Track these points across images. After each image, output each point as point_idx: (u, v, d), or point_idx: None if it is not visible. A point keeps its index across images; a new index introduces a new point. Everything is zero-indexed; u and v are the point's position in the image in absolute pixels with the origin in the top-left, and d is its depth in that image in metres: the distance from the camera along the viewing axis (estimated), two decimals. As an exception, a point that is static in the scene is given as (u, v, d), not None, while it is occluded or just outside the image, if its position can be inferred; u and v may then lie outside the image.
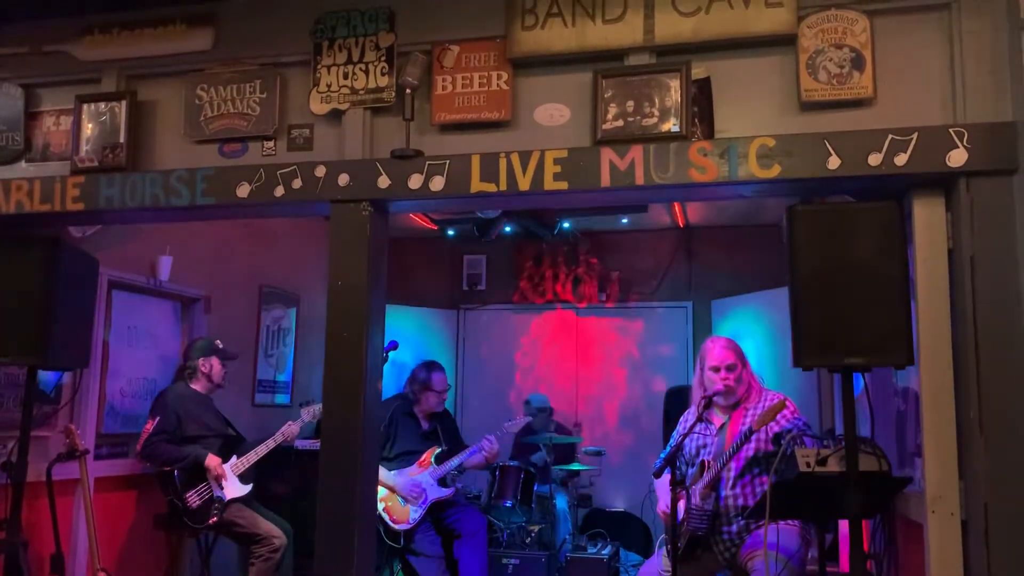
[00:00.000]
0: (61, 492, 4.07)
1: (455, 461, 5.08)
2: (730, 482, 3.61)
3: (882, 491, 3.00)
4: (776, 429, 3.47)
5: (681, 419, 3.90)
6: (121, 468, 4.69)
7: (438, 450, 5.09)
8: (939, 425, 2.80)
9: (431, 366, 5.26)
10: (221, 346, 4.82)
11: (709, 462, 3.63)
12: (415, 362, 5.46)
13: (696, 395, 3.81)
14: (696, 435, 3.74)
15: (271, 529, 4.50)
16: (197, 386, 4.72)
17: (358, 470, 3.16)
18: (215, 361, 4.76)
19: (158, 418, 4.47)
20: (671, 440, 3.83)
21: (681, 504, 3.51)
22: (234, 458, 4.61)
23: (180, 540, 4.74)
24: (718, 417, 3.77)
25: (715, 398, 3.70)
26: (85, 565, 4.22)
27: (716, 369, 3.72)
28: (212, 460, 4.48)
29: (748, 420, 3.56)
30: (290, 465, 4.97)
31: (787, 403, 3.46)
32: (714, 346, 3.78)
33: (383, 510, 4.83)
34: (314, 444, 4.71)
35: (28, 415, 3.54)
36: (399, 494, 4.90)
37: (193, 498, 4.42)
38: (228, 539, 4.65)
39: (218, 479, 4.47)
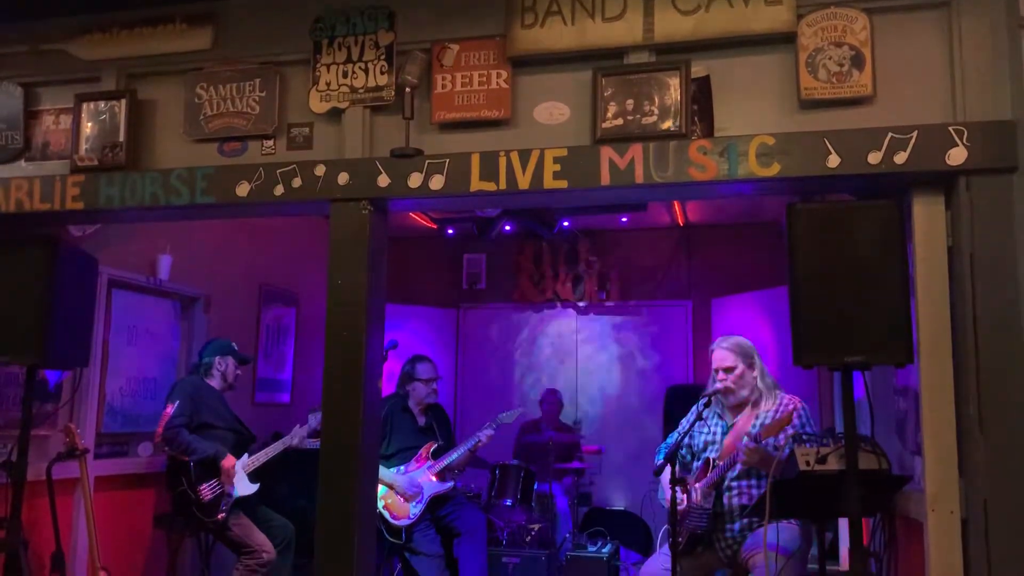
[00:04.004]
0: (61, 491, 4.07)
1: (453, 455, 5.10)
2: (733, 481, 3.61)
3: (882, 489, 3.00)
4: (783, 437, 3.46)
5: (690, 412, 3.90)
6: (121, 467, 4.69)
7: (435, 446, 5.10)
8: (939, 423, 2.80)
9: (415, 358, 5.28)
10: (237, 348, 4.86)
11: (715, 460, 3.64)
12: (412, 361, 5.46)
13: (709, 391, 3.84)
14: (706, 431, 3.77)
15: (263, 543, 4.49)
16: (212, 382, 4.74)
17: (358, 469, 3.16)
18: (231, 361, 4.80)
19: (177, 402, 4.48)
20: (671, 435, 3.84)
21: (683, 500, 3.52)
22: (245, 456, 4.63)
23: (180, 539, 4.74)
24: (727, 416, 3.78)
25: (717, 396, 3.72)
26: (85, 564, 4.22)
27: (716, 370, 3.74)
28: (229, 461, 4.50)
29: (757, 425, 3.56)
30: (289, 464, 4.96)
31: (794, 416, 3.45)
32: (717, 347, 3.79)
33: (383, 507, 4.83)
34: (314, 443, 4.73)
35: (28, 414, 3.53)
36: (398, 491, 4.90)
37: (206, 491, 4.43)
38: (220, 542, 4.65)
39: (230, 478, 4.49)
